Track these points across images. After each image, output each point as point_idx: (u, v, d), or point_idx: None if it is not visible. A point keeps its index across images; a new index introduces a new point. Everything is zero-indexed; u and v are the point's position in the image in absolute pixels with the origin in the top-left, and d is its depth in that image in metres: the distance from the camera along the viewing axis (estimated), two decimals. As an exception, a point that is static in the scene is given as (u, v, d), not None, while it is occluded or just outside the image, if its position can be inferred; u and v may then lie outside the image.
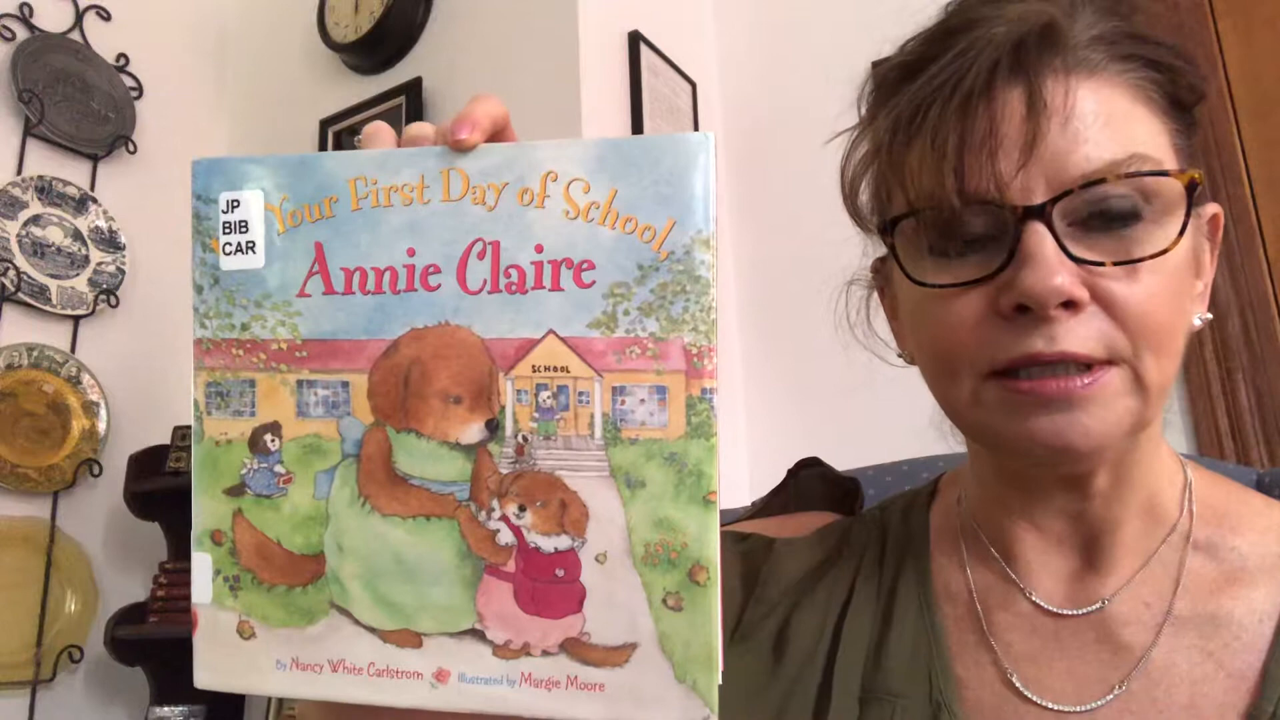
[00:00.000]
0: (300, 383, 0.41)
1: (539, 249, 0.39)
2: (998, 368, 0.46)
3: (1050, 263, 0.44)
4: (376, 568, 0.41)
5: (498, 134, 0.42)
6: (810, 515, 0.68)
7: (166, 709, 1.74)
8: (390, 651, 0.40)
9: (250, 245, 0.42)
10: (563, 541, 0.39)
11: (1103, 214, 0.45)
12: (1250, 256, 1.53)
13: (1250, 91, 1.60)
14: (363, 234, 0.41)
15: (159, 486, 1.86)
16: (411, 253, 0.40)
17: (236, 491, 0.42)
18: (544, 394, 0.39)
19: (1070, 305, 0.44)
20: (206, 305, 0.42)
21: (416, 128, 0.42)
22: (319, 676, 0.41)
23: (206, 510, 0.42)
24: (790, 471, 0.74)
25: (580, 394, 0.39)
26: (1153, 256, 0.45)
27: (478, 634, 0.40)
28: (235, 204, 0.42)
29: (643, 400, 0.38)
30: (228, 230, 0.42)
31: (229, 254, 0.42)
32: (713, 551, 0.38)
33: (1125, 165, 0.45)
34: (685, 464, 0.38)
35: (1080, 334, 0.44)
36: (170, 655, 1.82)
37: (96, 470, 1.95)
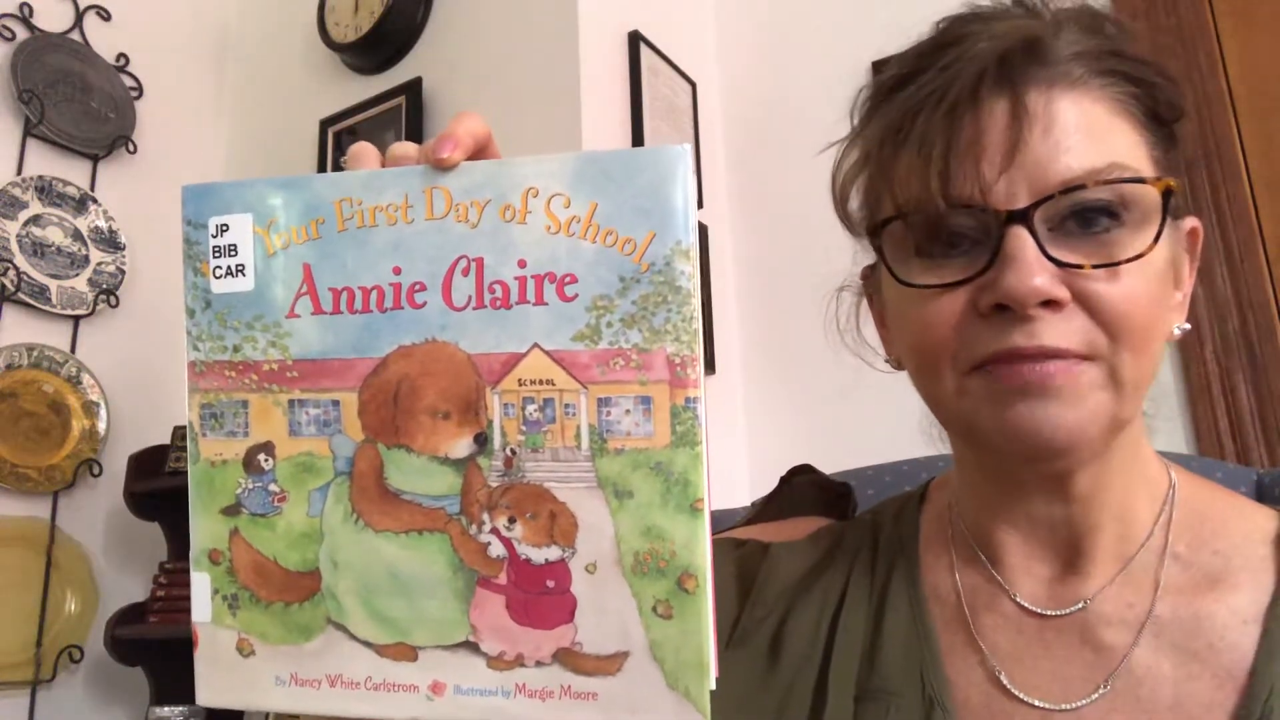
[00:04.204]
0: (292, 402, 0.42)
1: (522, 264, 0.40)
2: (977, 363, 0.48)
3: (1030, 264, 0.45)
4: (371, 583, 0.41)
5: (480, 151, 0.42)
6: (804, 520, 0.69)
7: (166, 709, 1.74)
8: (386, 665, 0.41)
9: (240, 268, 0.43)
10: (553, 552, 0.39)
11: (1082, 218, 0.47)
12: (1250, 256, 1.53)
13: (1250, 91, 1.59)
14: (349, 254, 0.42)
15: (159, 486, 1.86)
16: (397, 271, 0.41)
17: (233, 511, 0.43)
18: (531, 407, 0.40)
19: (1050, 304, 0.46)
20: (199, 328, 0.43)
21: (400, 147, 0.43)
22: (317, 692, 0.42)
23: (204, 530, 0.43)
24: (782, 479, 0.75)
25: (566, 406, 0.39)
26: (1130, 260, 0.46)
27: (472, 646, 0.40)
28: (224, 228, 0.43)
29: (628, 411, 0.39)
30: (217, 254, 0.43)
31: (219, 277, 0.43)
32: (702, 559, 0.38)
33: (1104, 173, 0.47)
34: (672, 473, 0.38)
35: (1060, 329, 0.46)
36: (170, 655, 1.82)
37: (96, 470, 1.96)
